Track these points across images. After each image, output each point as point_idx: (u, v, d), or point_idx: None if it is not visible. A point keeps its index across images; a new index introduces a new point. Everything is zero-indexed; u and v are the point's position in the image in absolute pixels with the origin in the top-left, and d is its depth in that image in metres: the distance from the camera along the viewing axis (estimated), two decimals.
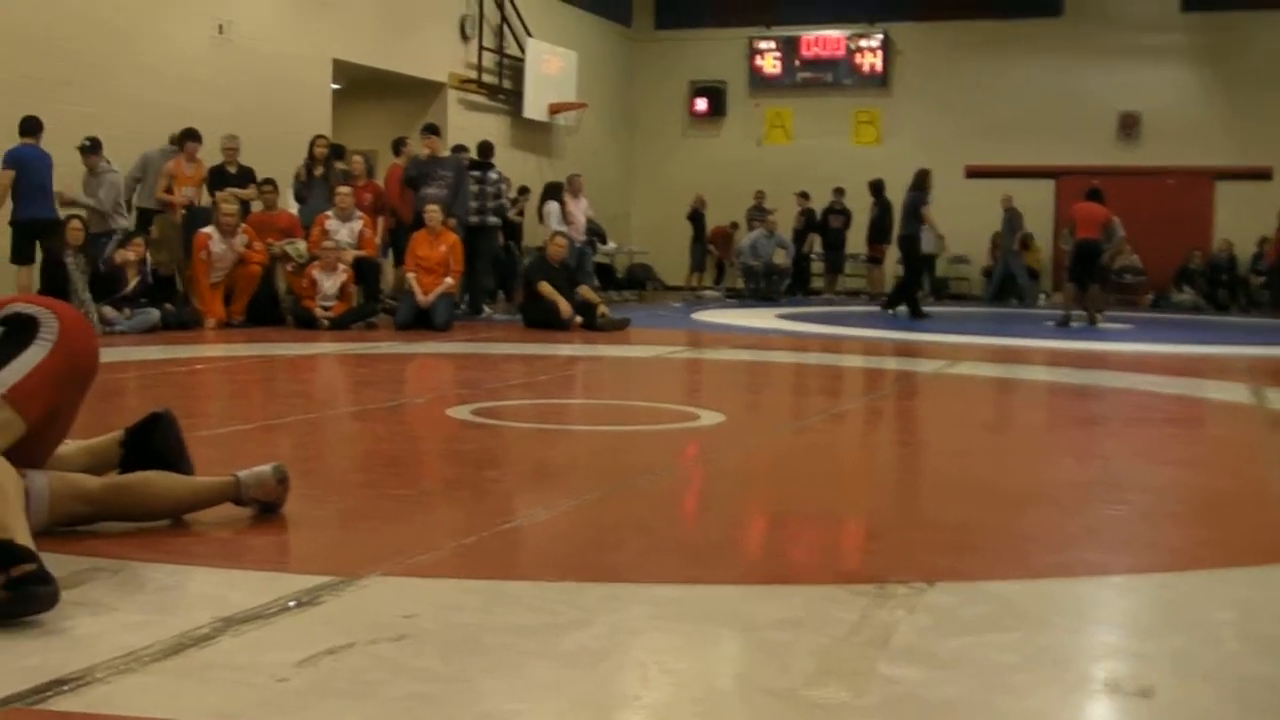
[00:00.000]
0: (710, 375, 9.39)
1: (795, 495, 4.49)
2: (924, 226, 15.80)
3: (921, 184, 15.84)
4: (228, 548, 3.37)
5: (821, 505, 4.36)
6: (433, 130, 14.48)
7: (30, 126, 11.55)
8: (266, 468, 3.62)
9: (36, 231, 11.54)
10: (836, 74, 23.38)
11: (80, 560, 3.08)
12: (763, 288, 20.27)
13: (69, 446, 3.56)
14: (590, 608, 2.87)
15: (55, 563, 3.02)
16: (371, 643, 2.53)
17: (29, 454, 3.13)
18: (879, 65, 23.17)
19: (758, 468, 5.15)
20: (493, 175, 14.72)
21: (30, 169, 11.49)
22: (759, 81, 23.82)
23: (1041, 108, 21.78)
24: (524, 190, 18.37)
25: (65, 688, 2.25)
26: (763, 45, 23.73)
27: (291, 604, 2.79)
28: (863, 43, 23.24)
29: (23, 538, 2.71)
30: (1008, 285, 21.24)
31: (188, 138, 12.99)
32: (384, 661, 2.45)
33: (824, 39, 23.48)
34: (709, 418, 6.25)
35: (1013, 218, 20.72)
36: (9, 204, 11.51)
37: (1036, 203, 21.35)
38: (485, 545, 3.48)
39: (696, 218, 21.97)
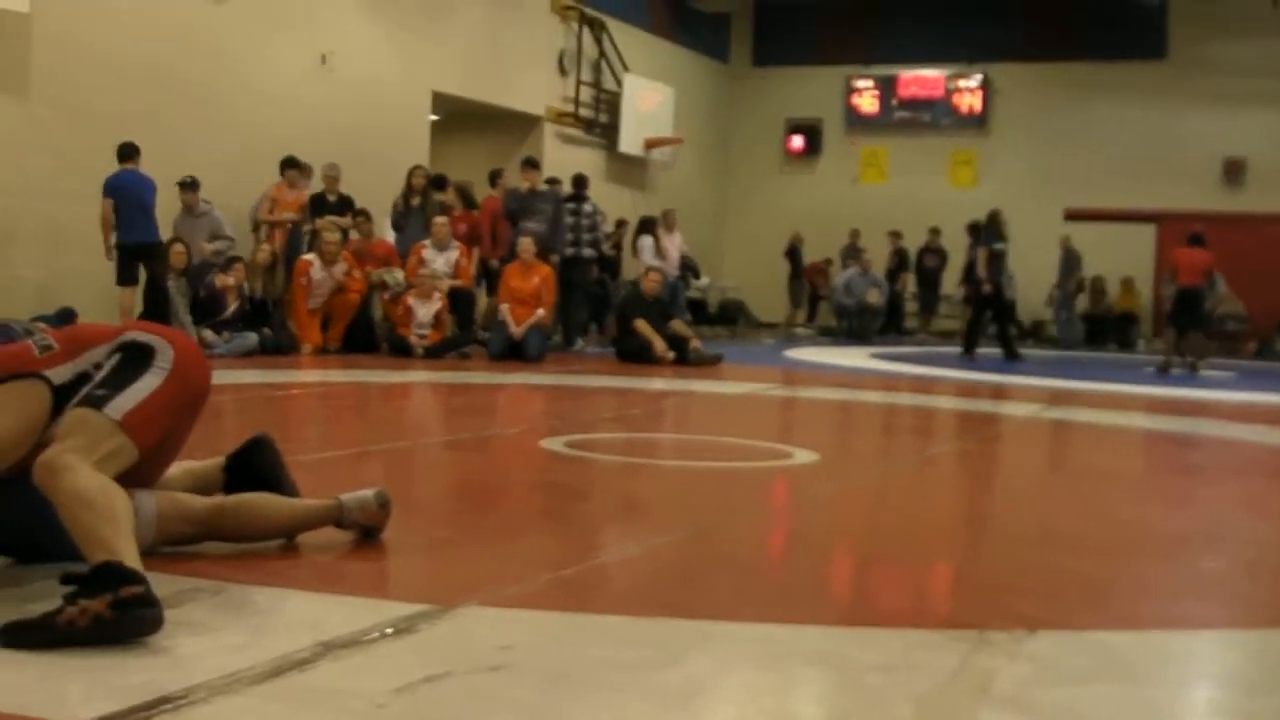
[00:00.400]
0: (803, 413, 9.34)
1: (890, 537, 4.44)
2: (1005, 270, 15.69)
3: (988, 226, 15.70)
4: (326, 572, 3.40)
5: (917, 548, 4.31)
6: (532, 164, 14.58)
7: (127, 152, 11.82)
8: (369, 492, 3.66)
9: (139, 255, 11.78)
10: (934, 114, 23.28)
11: (183, 580, 3.12)
12: (856, 326, 20.17)
13: (174, 469, 3.62)
14: (684, 644, 2.86)
15: (159, 582, 3.06)
16: (468, 673, 2.54)
17: (139, 476, 3.18)
18: (977, 105, 23.03)
19: (852, 508, 5.11)
20: (587, 208, 14.80)
21: (128, 194, 11.74)
22: (855, 120, 23.77)
23: (1143, 151, 21.51)
24: (621, 223, 18.45)
25: (168, 706, 2.27)
26: (860, 83, 23.70)
27: (389, 631, 2.80)
28: (961, 83, 23.12)
29: (131, 560, 2.75)
30: (1097, 330, 21.01)
31: (288, 165, 13.23)
32: (480, 692, 2.45)
33: (922, 78, 23.40)
34: (802, 456, 6.22)
35: (1070, 259, 20.47)
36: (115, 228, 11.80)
37: (1137, 247, 21.07)
38: (580, 578, 3.49)
39: (794, 254, 21.92)
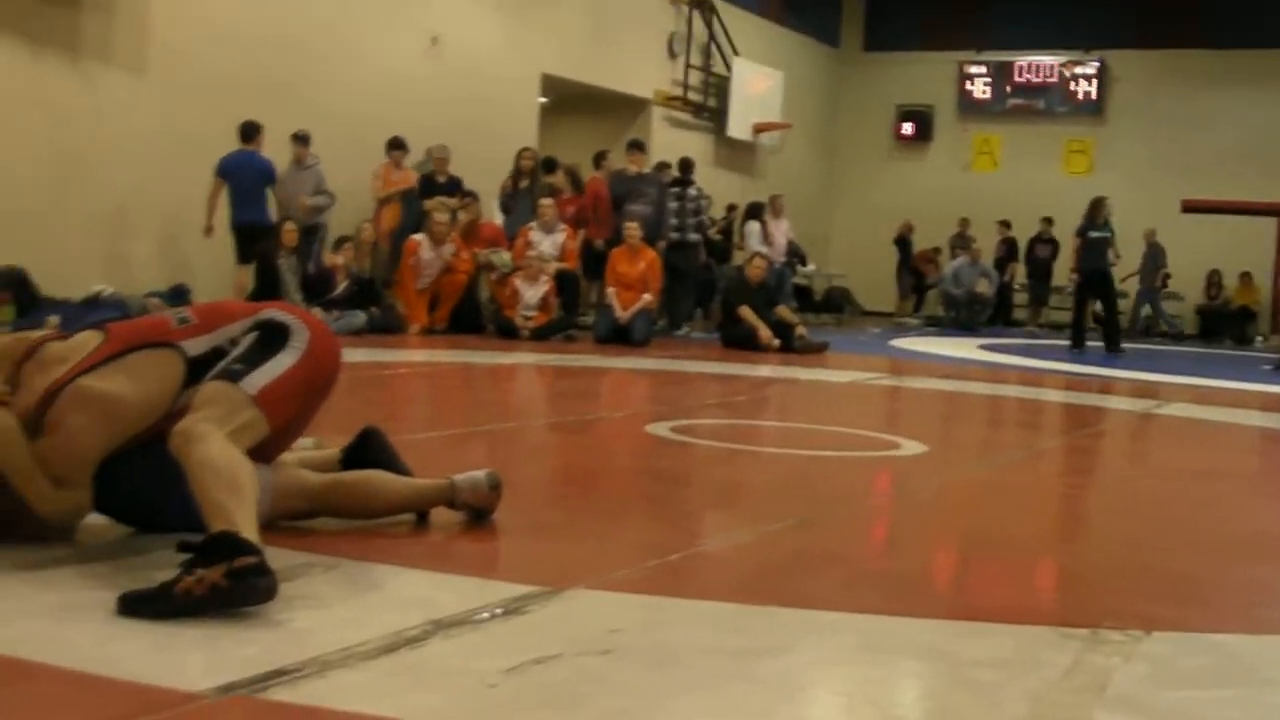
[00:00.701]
0: (910, 404, 9.25)
1: (1000, 531, 4.38)
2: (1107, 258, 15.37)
3: (1088, 213, 15.40)
4: (436, 551, 3.42)
5: (1026, 543, 4.25)
6: (638, 146, 14.55)
7: (248, 131, 12.03)
8: (480, 474, 3.68)
9: (249, 235, 11.98)
10: (1049, 101, 22.91)
11: (297, 555, 3.17)
12: (963, 317, 19.92)
13: (289, 457, 3.65)
14: (792, 634, 2.85)
15: (274, 556, 3.10)
16: (577, 655, 2.54)
17: (261, 452, 3.22)
18: (1094, 93, 22.63)
19: (961, 501, 5.04)
20: (692, 192, 14.71)
21: (241, 175, 11.95)
22: (968, 106, 23.48)
23: (1265, 142, 20.98)
24: (732, 208, 18.36)
25: (283, 679, 2.30)
26: (973, 69, 23.39)
27: (499, 611, 2.82)
28: (1077, 69, 22.73)
29: (248, 531, 2.79)
30: (1212, 325, 20.58)
31: (394, 146, 13.36)
32: (589, 674, 2.46)
33: (1037, 64, 23.03)
34: (910, 447, 6.15)
35: (1155, 253, 20.03)
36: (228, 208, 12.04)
37: (1257, 241, 20.56)
38: (687, 564, 3.48)
39: (903, 243, 21.70)
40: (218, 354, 3.26)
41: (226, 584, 2.66)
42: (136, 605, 2.65)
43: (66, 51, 11.62)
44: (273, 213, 12.14)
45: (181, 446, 2.97)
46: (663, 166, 15.30)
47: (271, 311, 3.37)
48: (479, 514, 3.68)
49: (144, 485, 3.24)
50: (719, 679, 2.48)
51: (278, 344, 3.25)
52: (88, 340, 3.26)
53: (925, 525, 4.54)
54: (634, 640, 2.68)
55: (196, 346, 3.27)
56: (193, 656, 2.41)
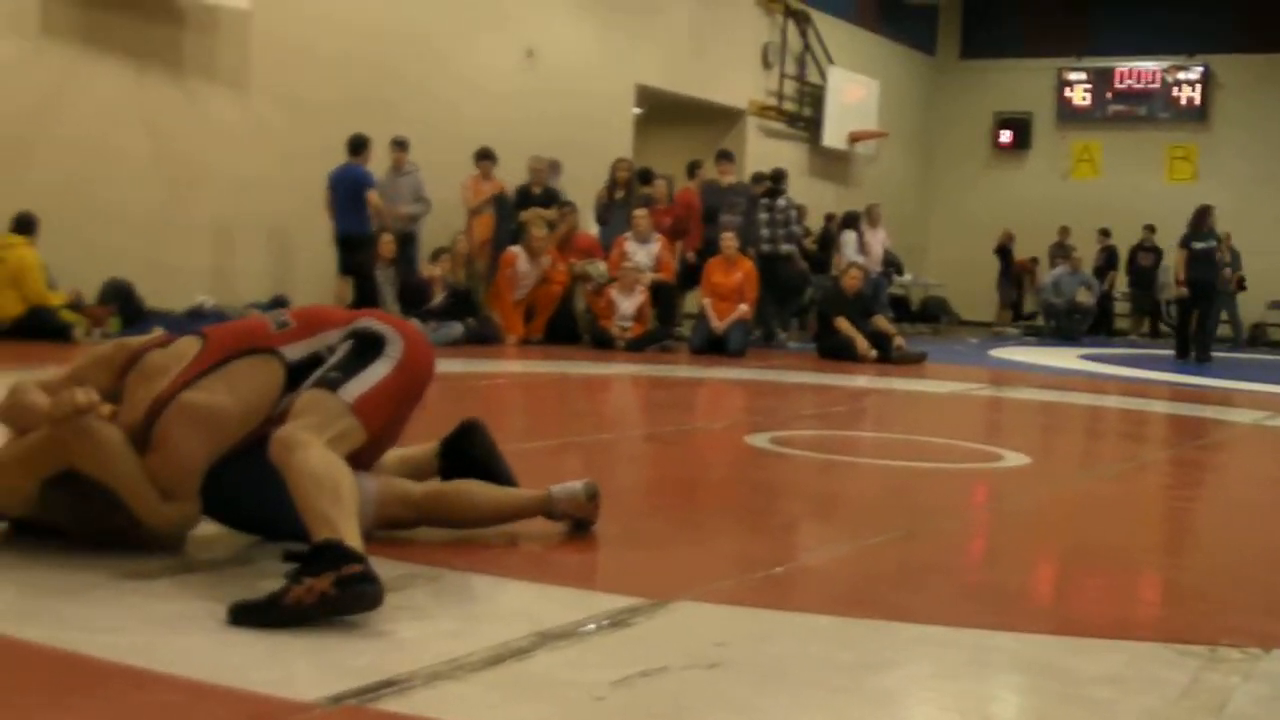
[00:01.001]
0: (1012, 415, 9.12)
1: (1108, 544, 4.29)
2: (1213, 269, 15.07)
3: (1191, 223, 15.08)
4: (538, 562, 3.42)
5: (1136, 557, 4.16)
6: (727, 156, 14.50)
7: (353, 145, 12.18)
8: (578, 484, 3.67)
9: (346, 245, 12.14)
10: (1151, 107, 22.54)
11: (401, 565, 3.18)
12: (1064, 326, 19.62)
13: (389, 455, 3.69)
14: (902, 648, 2.81)
15: (378, 566, 3.12)
16: (685, 668, 2.52)
17: (359, 460, 3.25)
18: (1197, 99, 22.23)
19: (1066, 513, 4.95)
20: (781, 203, 14.59)
21: (342, 187, 12.12)
22: (1067, 113, 23.16)
23: None
24: (830, 217, 18.23)
25: (392, 689, 2.31)
26: (1073, 76, 23.08)
27: (604, 623, 2.81)
28: (1180, 75, 22.34)
29: (352, 539, 2.81)
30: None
31: (482, 157, 13.43)
32: (697, 688, 2.43)
33: (1138, 71, 22.66)
34: (1012, 459, 6.07)
35: (1232, 257, 19.58)
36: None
37: None
38: (792, 576, 3.45)
39: (1004, 253, 21.42)
40: (316, 360, 3.28)
41: (335, 592, 2.68)
42: (247, 615, 2.67)
43: (170, 69, 11.86)
44: (370, 223, 12.25)
45: (281, 455, 3.00)
46: (758, 177, 15.24)
47: (367, 320, 3.39)
48: (579, 525, 3.67)
49: (246, 490, 3.27)
50: (829, 693, 2.45)
51: (373, 353, 3.28)
52: (187, 348, 3.29)
53: (1030, 538, 4.47)
54: (741, 653, 2.65)
55: (295, 352, 3.30)
56: (303, 666, 2.42)
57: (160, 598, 2.86)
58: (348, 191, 12.12)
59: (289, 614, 2.66)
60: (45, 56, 10.96)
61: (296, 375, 3.26)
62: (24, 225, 10.35)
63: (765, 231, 14.25)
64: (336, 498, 2.91)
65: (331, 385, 3.17)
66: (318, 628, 2.65)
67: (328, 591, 2.67)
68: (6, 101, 10.67)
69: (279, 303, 11.79)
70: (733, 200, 13.87)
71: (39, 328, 9.88)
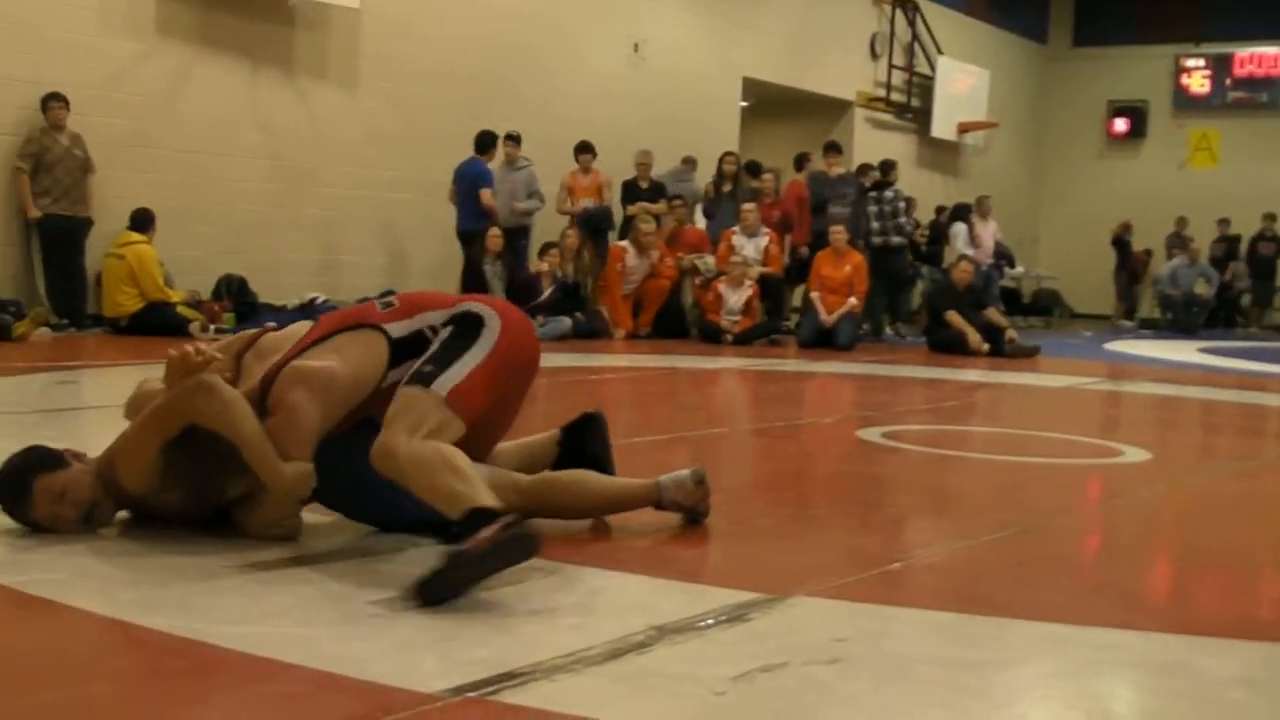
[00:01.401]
0: (1129, 410, 8.94)
1: (1234, 542, 4.18)
2: None
3: None
4: (653, 556, 3.41)
5: (1266, 555, 4.05)
6: (835, 148, 14.37)
7: (479, 142, 12.30)
8: (685, 472, 3.65)
9: (467, 241, 12.25)
10: (1273, 94, 21.98)
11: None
12: (1181, 319, 19.22)
13: (506, 445, 3.70)
14: (1023, 646, 2.76)
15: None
16: (805, 664, 2.50)
17: (469, 450, 3.26)
18: None
19: (1190, 510, 4.84)
20: (889, 194, 14.47)
21: (462, 183, 12.24)
22: (1184, 101, 22.68)
23: None
24: (941, 209, 18.02)
25: (514, 682, 2.31)
26: (1190, 63, 22.59)
27: (722, 618, 2.79)
28: None
29: (490, 501, 2.92)
30: None
31: (581, 150, 13.41)
32: (817, 684, 2.41)
33: (1260, 56, 22.11)
34: (1132, 454, 5.94)
35: None
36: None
37: None
38: (909, 572, 3.40)
39: (1121, 244, 21.01)
40: (419, 338, 3.36)
41: (506, 536, 2.77)
42: (434, 587, 2.73)
43: (282, 68, 12.04)
44: (483, 220, 12.33)
45: (386, 463, 3.09)
46: (865, 169, 15.11)
47: (468, 303, 3.43)
48: (692, 516, 3.65)
49: (347, 472, 3.30)
50: (952, 692, 2.41)
51: (470, 337, 3.32)
52: (299, 329, 3.46)
53: (1154, 535, 4.37)
54: (861, 650, 2.62)
55: (399, 329, 3.37)
56: (425, 658, 2.44)
57: (281, 589, 2.89)
58: (468, 187, 12.23)
59: (473, 566, 2.74)
60: (160, 57, 11.19)
61: (400, 351, 3.34)
62: (141, 222, 10.58)
63: (875, 224, 14.13)
64: (455, 471, 2.99)
65: (425, 380, 3.21)
66: (437, 619, 2.67)
67: (498, 537, 2.75)
68: (124, 101, 10.92)
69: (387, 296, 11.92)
70: (841, 192, 13.77)
71: (157, 323, 10.09)
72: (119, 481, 3.22)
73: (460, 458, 3.06)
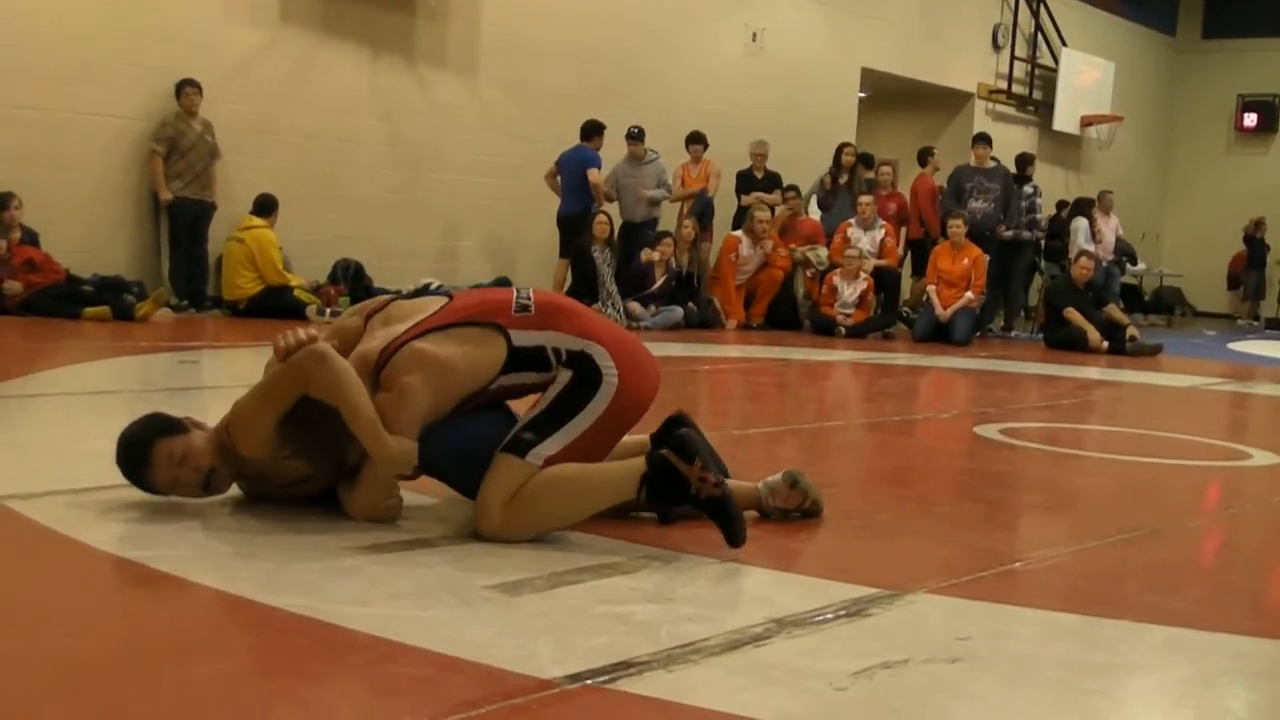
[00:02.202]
0: (1257, 411, 8.70)
1: None
2: None
3: None
4: (771, 548, 3.37)
5: None
6: (984, 140, 14.10)
7: (586, 130, 12.29)
8: (778, 476, 3.61)
9: (567, 226, 12.27)
10: None
11: (635, 548, 3.18)
12: None
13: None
14: (1154, 651, 2.68)
15: (612, 549, 3.15)
16: (926, 662, 2.45)
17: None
18: None
19: None
20: (1026, 189, 14.25)
21: (566, 170, 12.24)
22: None
23: None
24: (1062, 204, 17.69)
25: (631, 670, 2.30)
26: None
27: (842, 612, 2.75)
28: None
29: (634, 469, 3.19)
30: None
31: (692, 140, 13.31)
32: (940, 682, 2.36)
33: None
34: (1261, 457, 5.77)
35: None
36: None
37: None
38: (1032, 571, 3.33)
39: (1252, 241, 20.45)
40: (539, 354, 3.29)
41: (718, 491, 3.12)
42: (736, 532, 3.13)
43: (403, 55, 12.15)
44: (593, 204, 12.33)
45: (499, 533, 3.15)
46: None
47: (595, 346, 3.31)
48: (806, 512, 3.61)
49: (446, 451, 3.32)
50: (1080, 694, 2.35)
51: (584, 396, 3.26)
52: (430, 304, 3.42)
53: None
54: (984, 649, 2.57)
55: (523, 339, 3.30)
56: (543, 644, 2.43)
57: (399, 571, 2.91)
58: (574, 173, 12.24)
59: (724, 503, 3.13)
60: (284, 45, 11.35)
61: (517, 360, 3.30)
62: (264, 207, 10.76)
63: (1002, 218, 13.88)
64: (585, 484, 3.18)
65: (522, 450, 3.20)
66: (553, 605, 2.68)
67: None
68: (248, 89, 11.09)
69: (501, 284, 11.99)
70: (985, 185, 13.52)
71: (274, 307, 10.25)
72: (236, 449, 3.25)
73: (572, 470, 3.19)
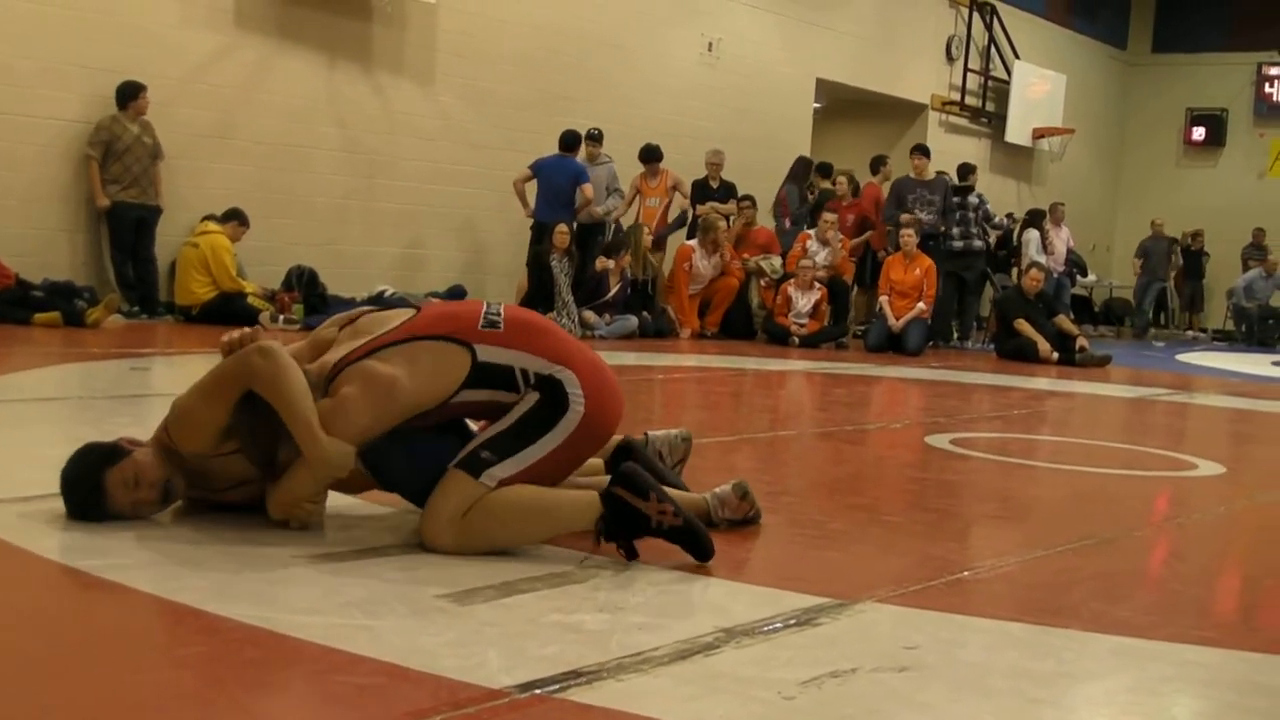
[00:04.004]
0: (1203, 422, 8.80)
1: None
2: None
3: None
4: (722, 558, 3.36)
5: None
6: (922, 151, 14.22)
7: (566, 141, 12.32)
8: (727, 487, 3.63)
9: (545, 236, 12.29)
10: None
11: (585, 557, 3.18)
12: (1256, 331, 18.92)
13: None
14: (1101, 660, 2.71)
15: (562, 557, 3.15)
16: (875, 671, 2.47)
17: None
18: None
19: (1270, 527, 4.75)
20: (972, 199, 14.36)
21: (541, 178, 12.26)
22: (1265, 110, 22.30)
23: None
24: (1011, 216, 17.82)
25: (580, 680, 2.30)
26: (1273, 71, 22.22)
27: (791, 622, 2.77)
28: None
29: (592, 502, 3.19)
30: None
31: (645, 159, 13.30)
32: (889, 691, 2.38)
33: None
34: (1207, 467, 5.84)
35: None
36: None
37: None
38: (982, 581, 3.36)
39: (1189, 253, 20.71)
40: (508, 374, 3.23)
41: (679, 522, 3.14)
42: (702, 550, 3.16)
43: (360, 62, 12.12)
44: (575, 215, 12.37)
45: (447, 549, 3.12)
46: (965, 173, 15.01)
47: (566, 372, 3.25)
48: (747, 521, 3.63)
49: (404, 469, 3.31)
50: (1027, 703, 2.37)
51: (547, 422, 3.20)
52: (396, 316, 3.37)
53: (1231, 551, 4.29)
54: (933, 658, 2.59)
55: (490, 354, 3.24)
56: (493, 653, 2.43)
57: (349, 580, 2.90)
58: (555, 184, 12.19)
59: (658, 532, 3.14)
60: (240, 51, 11.30)
61: (482, 376, 3.23)
62: (229, 216, 10.74)
63: (956, 229, 13.98)
64: (537, 501, 3.15)
65: (476, 469, 3.15)
66: (504, 615, 2.67)
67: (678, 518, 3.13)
68: (203, 94, 11.03)
69: (455, 293, 11.97)
70: (926, 197, 13.62)
71: (228, 313, 10.18)
72: (176, 446, 3.22)
73: (527, 492, 3.15)
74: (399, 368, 3.20)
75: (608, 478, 3.43)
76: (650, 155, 13.32)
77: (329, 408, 3.17)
